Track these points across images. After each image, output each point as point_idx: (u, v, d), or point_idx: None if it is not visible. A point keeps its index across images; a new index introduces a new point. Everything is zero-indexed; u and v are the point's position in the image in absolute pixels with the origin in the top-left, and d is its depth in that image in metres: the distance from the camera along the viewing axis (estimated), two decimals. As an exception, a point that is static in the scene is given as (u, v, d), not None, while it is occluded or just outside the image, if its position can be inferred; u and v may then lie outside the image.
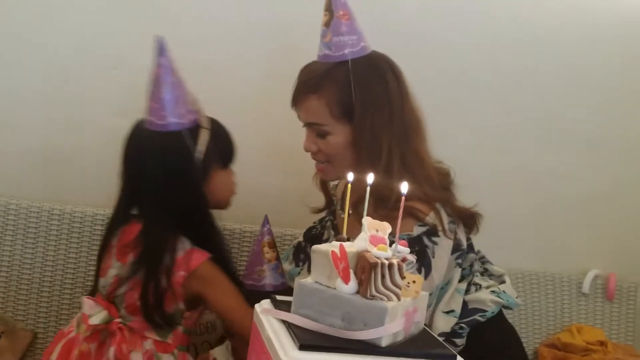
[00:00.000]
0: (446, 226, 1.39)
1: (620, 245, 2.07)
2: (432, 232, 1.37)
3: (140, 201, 1.41)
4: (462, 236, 1.45)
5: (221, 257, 1.42)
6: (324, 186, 1.63)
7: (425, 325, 1.35)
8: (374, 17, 1.43)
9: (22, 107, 1.84)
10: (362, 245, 0.96)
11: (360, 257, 0.95)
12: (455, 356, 0.95)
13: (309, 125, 1.46)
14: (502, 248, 1.55)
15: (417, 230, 1.37)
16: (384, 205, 1.31)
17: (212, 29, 1.87)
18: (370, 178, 1.09)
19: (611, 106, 2.03)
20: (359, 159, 1.41)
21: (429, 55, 1.45)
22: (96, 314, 1.34)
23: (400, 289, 0.93)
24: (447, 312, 1.41)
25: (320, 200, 1.65)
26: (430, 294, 1.36)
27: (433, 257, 1.36)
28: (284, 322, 0.98)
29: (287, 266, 1.66)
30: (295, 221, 1.83)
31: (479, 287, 1.48)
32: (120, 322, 1.35)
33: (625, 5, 1.98)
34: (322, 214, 1.69)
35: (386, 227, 0.99)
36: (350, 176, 1.15)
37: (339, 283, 0.94)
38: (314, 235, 1.69)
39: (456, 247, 1.43)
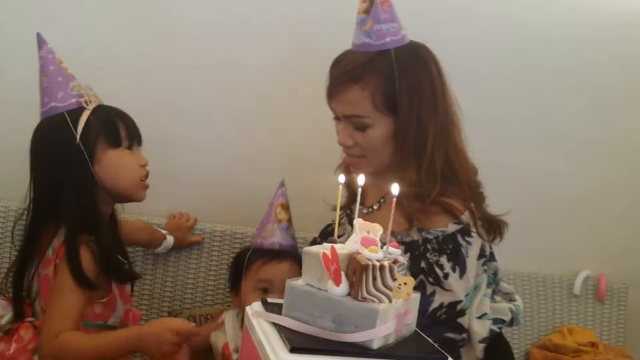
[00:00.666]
0: (479, 228, 1.36)
1: (611, 246, 2.08)
2: (465, 231, 1.34)
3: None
4: (486, 242, 1.41)
5: (98, 247, 1.32)
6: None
7: (466, 330, 1.32)
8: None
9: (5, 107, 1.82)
10: (354, 247, 0.96)
11: (352, 259, 0.94)
12: (447, 357, 0.95)
13: (346, 117, 1.38)
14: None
15: (451, 227, 1.34)
16: (423, 199, 1.28)
17: (213, 29, 1.85)
18: (361, 179, 1.07)
19: (602, 107, 2.03)
20: (402, 152, 1.36)
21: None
22: (7, 315, 1.35)
23: (391, 291, 0.93)
24: (480, 317, 1.36)
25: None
26: (466, 295, 1.33)
27: (467, 256, 1.33)
28: (274, 324, 0.98)
29: None
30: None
31: (494, 299, 1.45)
32: (29, 321, 1.33)
33: (621, 6, 1.98)
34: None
35: (377, 229, 0.99)
36: (342, 178, 1.12)
37: (330, 285, 0.94)
38: (330, 232, 1.63)
39: (481, 253, 1.38)
